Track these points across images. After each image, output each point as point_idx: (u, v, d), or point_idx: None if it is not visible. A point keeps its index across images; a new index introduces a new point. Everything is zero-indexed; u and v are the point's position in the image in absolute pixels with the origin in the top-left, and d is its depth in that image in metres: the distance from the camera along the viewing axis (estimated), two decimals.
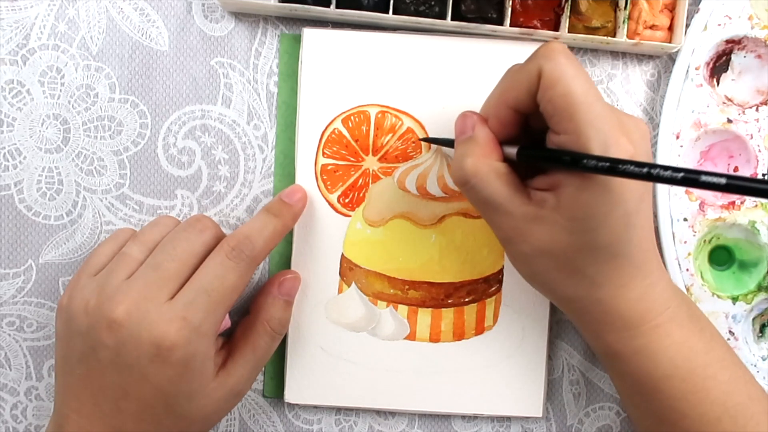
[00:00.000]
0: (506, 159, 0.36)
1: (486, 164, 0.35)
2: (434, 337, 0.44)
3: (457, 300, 0.44)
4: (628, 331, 0.37)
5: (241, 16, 0.44)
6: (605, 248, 0.34)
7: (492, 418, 0.45)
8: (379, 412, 0.45)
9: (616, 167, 0.31)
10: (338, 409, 0.45)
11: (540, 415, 0.44)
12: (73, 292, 0.39)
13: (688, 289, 0.43)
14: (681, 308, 0.37)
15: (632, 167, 0.30)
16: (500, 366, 0.44)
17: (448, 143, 0.40)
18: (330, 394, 0.44)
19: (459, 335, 0.44)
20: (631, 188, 0.33)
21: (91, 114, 0.44)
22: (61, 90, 0.44)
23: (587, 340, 0.40)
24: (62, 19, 0.44)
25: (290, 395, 0.44)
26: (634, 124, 0.35)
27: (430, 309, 0.44)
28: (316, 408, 0.45)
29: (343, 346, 0.44)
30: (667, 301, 0.37)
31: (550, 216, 0.34)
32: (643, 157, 0.33)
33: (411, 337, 0.44)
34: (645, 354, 0.37)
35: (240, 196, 0.45)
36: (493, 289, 0.44)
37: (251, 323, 0.41)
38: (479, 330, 0.44)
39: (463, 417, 0.46)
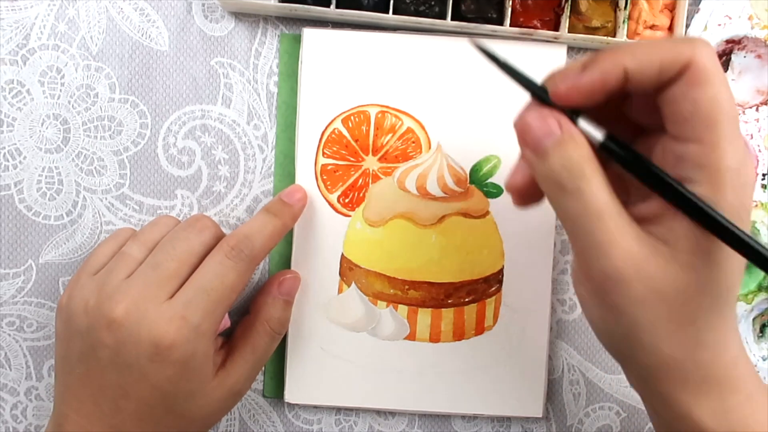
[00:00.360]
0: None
1: (597, 171, 0.28)
2: (434, 337, 0.44)
3: (457, 300, 0.44)
4: (721, 399, 0.29)
5: (241, 16, 0.44)
6: (725, 293, 0.28)
7: (492, 418, 0.45)
8: (379, 413, 0.45)
9: (760, 251, 0.26)
10: (338, 409, 0.45)
11: (540, 416, 0.44)
12: (72, 291, 0.39)
13: None
14: None
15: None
16: (500, 366, 0.44)
17: (522, 79, 0.32)
18: (330, 394, 0.44)
19: (459, 335, 0.44)
20: None
21: (91, 114, 0.44)
22: (61, 90, 0.44)
23: (663, 417, 0.31)
24: (62, 19, 0.44)
25: (290, 395, 0.44)
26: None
27: (430, 309, 0.44)
28: (316, 408, 0.45)
29: (343, 346, 0.44)
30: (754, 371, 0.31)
31: (664, 248, 0.28)
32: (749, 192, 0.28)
33: (411, 337, 0.44)
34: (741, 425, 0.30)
35: (240, 196, 0.45)
36: (493, 289, 0.44)
37: (251, 323, 0.41)
38: (479, 330, 0.44)
39: (463, 417, 0.46)
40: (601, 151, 0.29)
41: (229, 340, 0.41)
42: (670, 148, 0.28)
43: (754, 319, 0.44)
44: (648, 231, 0.28)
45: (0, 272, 0.44)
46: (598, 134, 0.29)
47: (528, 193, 0.32)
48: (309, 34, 0.43)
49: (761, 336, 0.45)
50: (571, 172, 0.28)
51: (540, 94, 0.30)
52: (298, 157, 0.43)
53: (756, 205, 0.43)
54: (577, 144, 0.28)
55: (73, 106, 0.44)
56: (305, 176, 0.43)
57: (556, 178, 0.29)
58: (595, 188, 0.28)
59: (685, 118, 0.28)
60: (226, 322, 0.42)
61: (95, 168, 0.44)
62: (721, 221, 0.27)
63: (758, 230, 0.43)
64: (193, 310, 0.37)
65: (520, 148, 0.31)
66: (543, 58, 0.43)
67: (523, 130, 0.30)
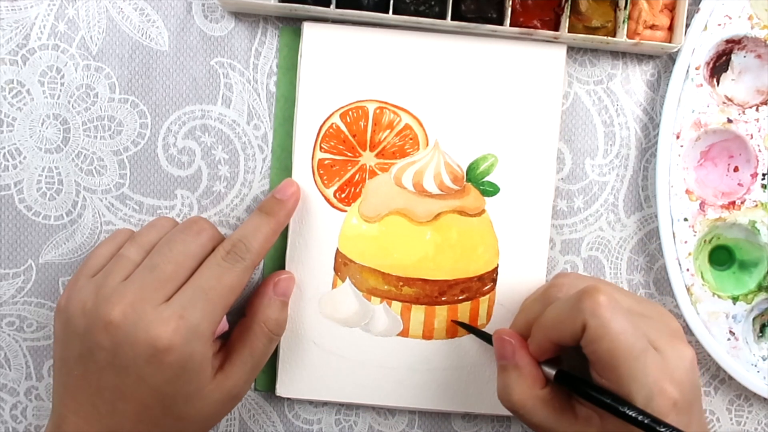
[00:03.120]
0: (547, 379, 0.38)
1: (532, 396, 0.37)
2: (427, 335, 0.44)
3: (451, 298, 0.44)
4: None
5: (241, 16, 0.44)
6: None
7: (492, 418, 0.45)
8: (378, 412, 0.45)
9: (655, 427, 0.32)
10: (338, 409, 0.45)
11: None
12: (71, 293, 0.39)
13: (688, 289, 0.43)
14: None
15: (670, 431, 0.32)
16: (493, 365, 0.44)
17: (483, 336, 0.42)
18: (322, 388, 0.44)
19: (452, 333, 0.44)
20: None
21: (91, 114, 0.44)
22: (61, 90, 0.44)
23: None
24: (62, 19, 0.44)
25: (282, 389, 0.44)
26: (679, 357, 0.35)
27: (423, 306, 0.44)
28: (315, 408, 0.45)
29: (335, 341, 0.44)
30: None
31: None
32: (688, 395, 0.34)
33: (404, 333, 0.44)
34: None
35: (240, 196, 0.45)
36: (487, 287, 0.44)
37: (248, 325, 0.41)
38: None
39: (463, 417, 0.45)
40: (557, 379, 0.37)
41: (227, 343, 0.41)
42: (597, 379, 0.35)
43: (754, 319, 0.44)
44: (588, 421, 0.35)
45: (0, 272, 0.44)
46: (551, 372, 0.37)
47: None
48: (309, 28, 0.43)
49: (761, 336, 0.45)
50: (509, 395, 0.37)
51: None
52: (295, 151, 0.43)
53: (756, 205, 0.43)
54: (519, 373, 0.37)
55: (73, 106, 0.44)
56: (302, 170, 0.43)
57: (501, 394, 0.38)
58: (533, 408, 0.37)
59: (594, 362, 0.35)
60: (225, 325, 0.41)
61: (95, 168, 0.44)
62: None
63: (758, 230, 0.43)
64: (191, 311, 0.37)
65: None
66: (543, 58, 0.43)
67: (495, 343, 0.39)
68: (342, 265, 0.44)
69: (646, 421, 0.32)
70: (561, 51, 0.43)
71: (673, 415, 0.33)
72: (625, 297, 0.37)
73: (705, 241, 0.44)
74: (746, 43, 0.43)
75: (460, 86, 0.43)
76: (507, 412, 0.44)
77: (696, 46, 0.43)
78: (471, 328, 0.43)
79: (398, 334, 0.44)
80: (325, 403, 0.45)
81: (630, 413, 0.33)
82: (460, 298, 0.44)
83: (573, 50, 0.44)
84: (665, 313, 0.38)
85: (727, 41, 0.43)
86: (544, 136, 0.43)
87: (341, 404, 0.45)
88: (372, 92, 0.43)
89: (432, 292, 0.44)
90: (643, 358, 0.33)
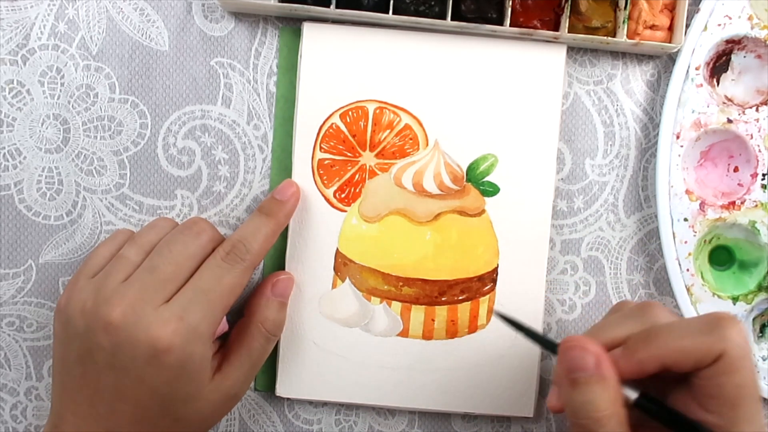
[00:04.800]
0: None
1: (616, 413, 0.31)
2: (427, 335, 0.44)
3: (451, 298, 0.44)
4: None
5: (241, 16, 0.44)
6: None
7: (492, 418, 0.45)
8: (378, 412, 0.45)
9: None
10: (338, 409, 0.45)
11: (531, 415, 0.44)
12: (71, 293, 0.39)
13: (688, 289, 0.43)
14: None
15: None
16: (492, 365, 0.44)
17: (535, 337, 0.36)
18: (322, 388, 0.44)
19: (452, 333, 0.44)
20: None
21: (91, 114, 0.44)
22: (61, 90, 0.44)
23: None
24: (62, 19, 0.44)
25: (282, 389, 0.44)
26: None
27: (423, 306, 0.44)
28: (315, 408, 0.45)
29: (335, 341, 0.44)
30: None
31: None
32: None
33: (404, 333, 0.44)
34: None
35: (240, 196, 0.45)
36: (487, 287, 0.44)
37: (246, 325, 0.41)
38: (472, 328, 0.44)
39: (463, 417, 0.45)
40: (639, 405, 0.32)
41: (225, 343, 0.41)
42: (698, 414, 0.31)
43: (754, 319, 0.44)
44: None
45: (0, 272, 0.44)
46: (632, 394, 0.32)
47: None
48: (309, 27, 0.43)
49: (761, 336, 0.45)
50: (589, 412, 0.31)
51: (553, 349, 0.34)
52: (295, 152, 0.43)
53: (756, 205, 0.43)
54: (605, 386, 0.31)
55: (73, 106, 0.44)
56: (302, 170, 0.43)
57: (576, 410, 0.31)
58: (612, 430, 0.31)
59: (711, 395, 0.31)
60: (224, 326, 0.41)
61: (95, 168, 0.44)
62: None
63: (758, 230, 0.43)
64: (191, 312, 0.37)
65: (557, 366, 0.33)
66: (543, 58, 0.43)
67: (564, 353, 0.32)
68: (342, 265, 0.44)
69: None
70: (561, 51, 0.43)
71: None
72: None
73: (705, 241, 0.44)
74: (746, 43, 0.43)
75: (460, 86, 0.43)
76: (507, 413, 0.44)
77: (696, 46, 0.43)
78: (518, 325, 0.36)
79: (398, 335, 0.44)
80: (325, 403, 0.45)
81: None
82: (460, 298, 0.44)
83: (573, 50, 0.44)
84: None
85: (727, 41, 0.43)
86: (544, 136, 0.43)
87: (341, 404, 0.45)
88: (372, 92, 0.43)
89: (432, 292, 0.44)
90: (760, 402, 0.32)
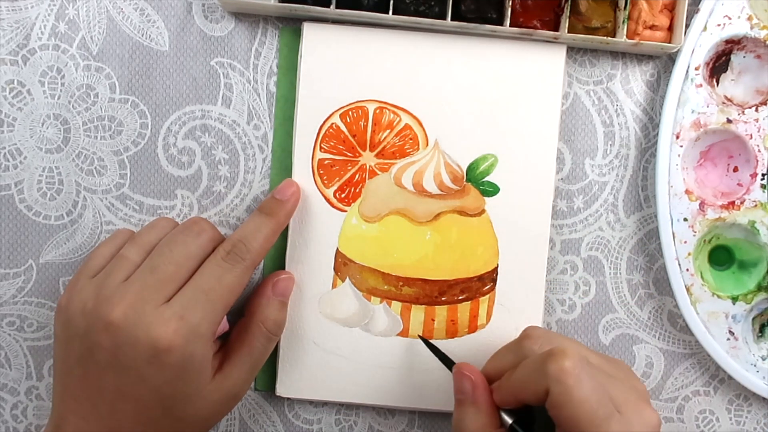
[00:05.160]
0: (502, 423, 0.37)
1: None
2: (427, 335, 0.44)
3: (451, 298, 0.44)
4: None
5: (241, 16, 0.44)
6: None
7: None
8: (378, 412, 0.45)
9: None
10: (338, 409, 0.45)
11: None
12: (71, 293, 0.39)
13: (688, 289, 0.43)
14: None
15: None
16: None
17: (445, 361, 0.41)
18: (322, 388, 0.44)
19: (452, 333, 0.44)
20: None
21: (91, 114, 0.44)
22: (61, 90, 0.44)
23: None
24: (62, 19, 0.44)
25: (282, 389, 0.44)
26: (643, 422, 0.35)
27: (423, 306, 0.44)
28: (315, 408, 0.45)
29: (335, 341, 0.44)
30: None
31: None
32: None
33: (404, 333, 0.44)
34: None
35: (240, 196, 0.45)
36: (487, 287, 0.44)
37: (246, 325, 0.41)
38: (472, 328, 0.44)
39: None
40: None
41: (226, 343, 0.41)
42: None
43: (753, 319, 0.44)
44: None
45: (0, 272, 0.44)
46: (508, 420, 0.37)
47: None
48: (309, 28, 0.43)
49: (761, 336, 0.45)
50: (461, 428, 0.37)
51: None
52: (295, 152, 0.43)
53: (755, 205, 0.43)
54: (477, 410, 0.37)
55: (73, 106, 0.44)
56: (302, 170, 0.43)
57: (455, 425, 0.37)
58: None
59: (557, 425, 0.34)
60: (225, 326, 0.41)
61: (95, 168, 0.44)
62: None
63: (758, 230, 0.43)
64: (191, 312, 0.37)
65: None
66: (543, 58, 0.43)
67: (454, 375, 0.38)
68: (342, 265, 0.44)
69: None
70: (561, 51, 0.43)
71: None
72: (593, 356, 0.37)
73: (705, 241, 0.44)
74: (746, 43, 0.43)
75: (459, 86, 0.43)
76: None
77: (695, 46, 0.43)
78: (435, 350, 0.42)
79: (398, 334, 0.44)
80: (325, 403, 0.45)
81: None
82: (460, 298, 0.44)
83: (573, 50, 0.44)
84: (632, 374, 0.38)
85: (727, 41, 0.43)
86: (544, 136, 0.43)
87: (341, 404, 0.45)
88: (372, 92, 0.43)
89: (432, 292, 0.44)
90: (605, 425, 0.33)
